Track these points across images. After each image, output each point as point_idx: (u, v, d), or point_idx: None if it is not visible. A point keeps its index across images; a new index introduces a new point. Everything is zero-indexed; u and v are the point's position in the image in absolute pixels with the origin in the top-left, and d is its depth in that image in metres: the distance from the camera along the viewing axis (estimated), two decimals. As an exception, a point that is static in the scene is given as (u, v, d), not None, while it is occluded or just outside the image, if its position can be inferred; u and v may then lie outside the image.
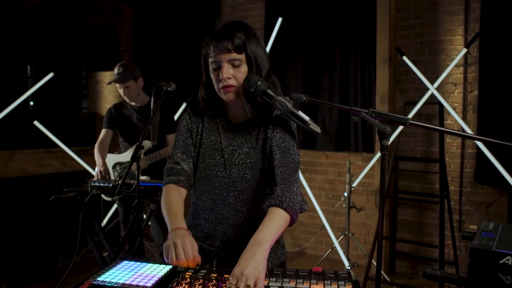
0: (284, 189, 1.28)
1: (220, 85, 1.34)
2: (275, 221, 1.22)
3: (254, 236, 1.17)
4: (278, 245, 1.51)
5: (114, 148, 3.32)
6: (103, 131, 3.11)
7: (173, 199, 1.39)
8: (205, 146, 1.46)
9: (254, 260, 1.10)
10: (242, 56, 1.33)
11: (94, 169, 3.18)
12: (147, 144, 2.95)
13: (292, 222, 1.26)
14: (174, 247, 1.20)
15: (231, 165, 1.41)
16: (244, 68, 1.34)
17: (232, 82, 1.33)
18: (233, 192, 1.41)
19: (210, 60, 1.35)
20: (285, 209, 1.24)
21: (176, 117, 4.41)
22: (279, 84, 1.42)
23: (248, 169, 1.39)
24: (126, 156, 3.11)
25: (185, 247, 1.20)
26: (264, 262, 1.11)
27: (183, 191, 1.44)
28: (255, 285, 1.06)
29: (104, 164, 2.95)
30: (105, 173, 2.91)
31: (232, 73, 1.33)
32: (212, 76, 1.37)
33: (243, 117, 1.43)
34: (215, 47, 1.32)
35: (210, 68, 1.36)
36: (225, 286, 1.11)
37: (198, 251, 1.23)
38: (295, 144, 1.40)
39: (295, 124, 1.40)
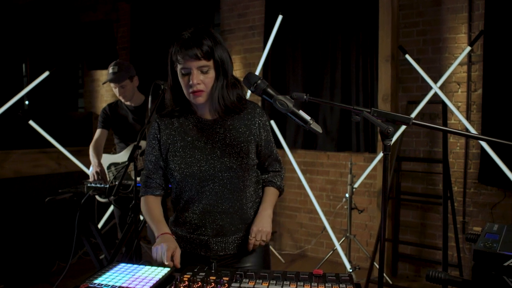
0: (275, 175, 1.69)
1: (190, 90, 1.45)
2: (272, 196, 1.66)
3: (260, 207, 1.60)
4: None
5: (110, 148, 3.26)
6: (98, 131, 3.06)
7: (153, 207, 1.59)
8: (182, 147, 1.54)
9: (265, 221, 1.56)
10: (210, 63, 1.44)
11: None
12: (143, 144, 2.87)
13: (280, 195, 1.72)
14: (161, 250, 1.38)
15: (213, 158, 1.51)
16: (211, 74, 1.46)
17: (201, 87, 1.45)
18: (219, 181, 1.52)
19: (179, 66, 1.45)
20: (277, 188, 1.68)
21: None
22: (241, 82, 1.52)
23: (230, 159, 1.51)
24: (121, 157, 3.05)
25: (168, 251, 1.37)
26: (270, 222, 1.57)
27: (160, 198, 1.65)
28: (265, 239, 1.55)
29: (100, 164, 2.89)
30: (101, 174, 2.85)
31: (201, 79, 1.44)
32: (181, 81, 1.48)
33: (214, 115, 1.54)
34: (185, 55, 1.42)
35: (179, 73, 1.47)
36: None
37: (179, 255, 1.41)
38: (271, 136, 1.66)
39: (266, 116, 1.61)
